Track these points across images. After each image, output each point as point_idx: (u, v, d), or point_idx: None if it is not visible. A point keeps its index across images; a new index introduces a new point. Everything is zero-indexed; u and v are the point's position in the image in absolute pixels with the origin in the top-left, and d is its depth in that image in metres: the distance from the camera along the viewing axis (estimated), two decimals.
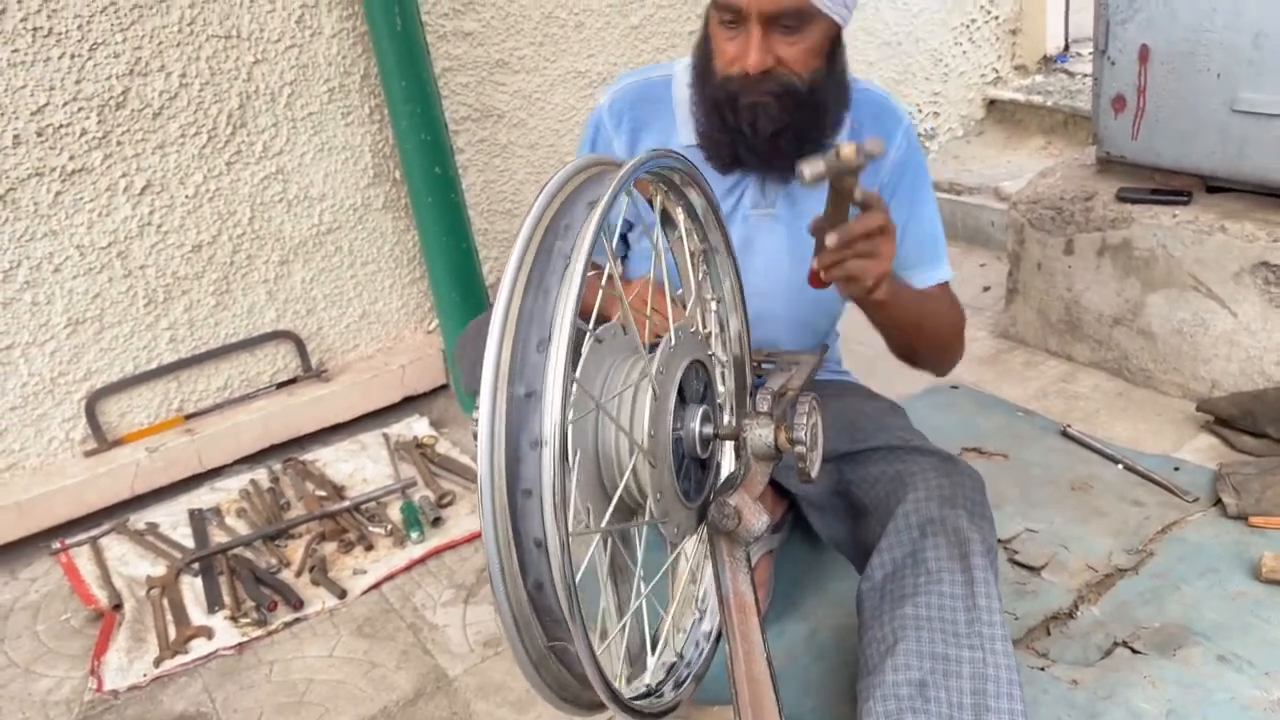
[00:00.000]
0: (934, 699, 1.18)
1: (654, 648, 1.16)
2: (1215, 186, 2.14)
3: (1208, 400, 2.06)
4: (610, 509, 1.02)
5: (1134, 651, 1.51)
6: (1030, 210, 2.35)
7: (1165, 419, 2.11)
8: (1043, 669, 1.50)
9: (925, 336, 1.57)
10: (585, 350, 1.01)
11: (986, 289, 2.85)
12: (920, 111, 3.52)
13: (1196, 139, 2.11)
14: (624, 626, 1.09)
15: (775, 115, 1.40)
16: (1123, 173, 2.30)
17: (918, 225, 1.58)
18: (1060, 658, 1.52)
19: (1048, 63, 3.70)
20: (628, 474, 1.02)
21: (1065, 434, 2.06)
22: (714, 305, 1.31)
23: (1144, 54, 2.15)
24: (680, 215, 1.21)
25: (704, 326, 1.29)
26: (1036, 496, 1.89)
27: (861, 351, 2.60)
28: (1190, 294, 2.10)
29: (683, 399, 1.11)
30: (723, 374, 1.32)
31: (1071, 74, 3.60)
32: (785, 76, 1.38)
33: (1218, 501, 1.81)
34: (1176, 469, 1.92)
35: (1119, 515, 1.81)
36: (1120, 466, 1.95)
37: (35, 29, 1.97)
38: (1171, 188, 2.17)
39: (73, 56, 2.01)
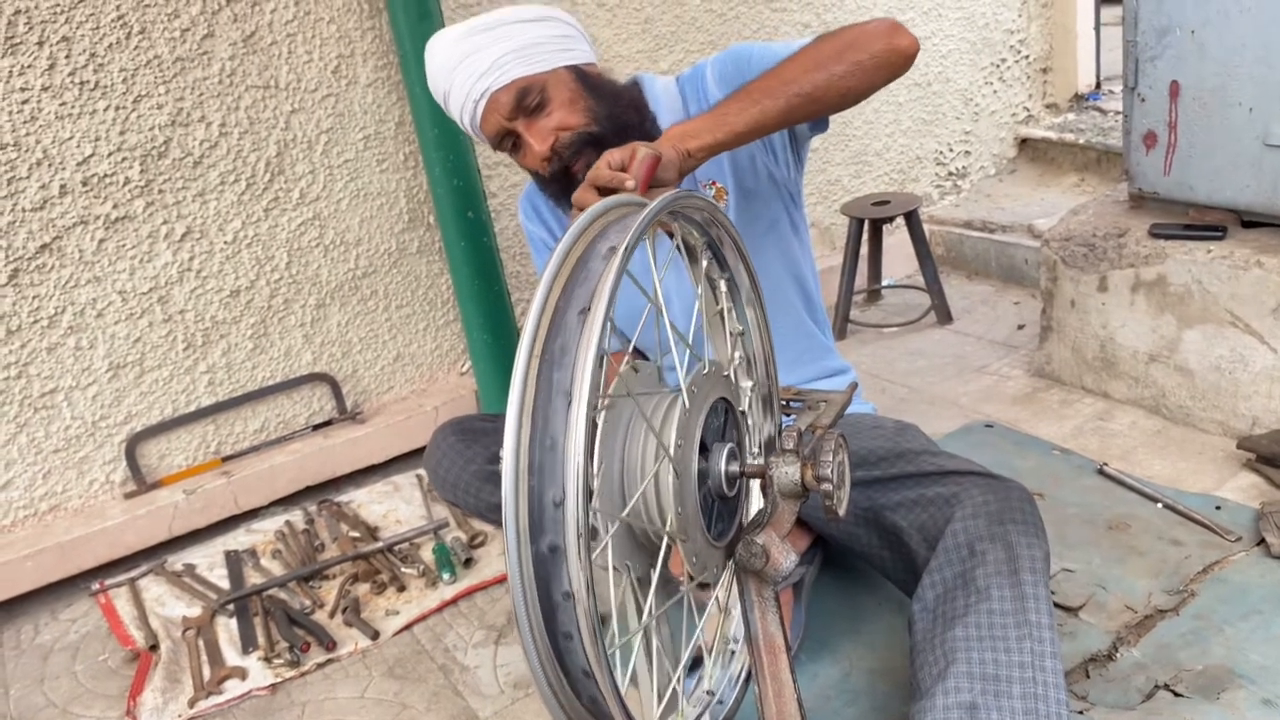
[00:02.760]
0: None
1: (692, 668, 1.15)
2: (1251, 221, 2.12)
3: (1249, 438, 2.02)
4: (628, 508, 1.01)
5: (1176, 695, 1.48)
6: (1063, 247, 2.34)
7: (1205, 457, 2.07)
8: (1082, 713, 1.47)
9: (807, 88, 1.37)
10: (601, 421, 1.00)
11: (1021, 327, 2.83)
12: (951, 151, 3.52)
13: (1230, 174, 2.09)
14: (664, 695, 1.08)
15: (594, 156, 1.47)
16: (1156, 209, 2.29)
17: (745, 63, 1.57)
18: (1100, 701, 1.49)
19: (1079, 100, 3.69)
20: (650, 478, 1.02)
21: (1102, 472, 2.03)
22: (739, 338, 1.32)
23: (1174, 90, 2.14)
24: (703, 251, 1.22)
25: (729, 360, 1.29)
26: (1073, 536, 1.86)
27: (893, 390, 2.59)
28: (1228, 330, 2.07)
29: (706, 444, 1.11)
30: (748, 409, 1.32)
31: (1104, 111, 3.59)
32: (570, 135, 1.50)
33: (1261, 541, 1.77)
34: (1218, 508, 1.88)
35: (1158, 555, 1.78)
36: (1159, 505, 1.91)
37: (83, 83, 2.03)
38: (1205, 223, 2.15)
39: (118, 109, 2.08)
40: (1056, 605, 1.68)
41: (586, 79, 1.54)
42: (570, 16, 1.59)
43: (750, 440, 1.32)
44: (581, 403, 0.86)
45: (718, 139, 1.32)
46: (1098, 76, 3.73)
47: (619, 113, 1.53)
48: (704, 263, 1.23)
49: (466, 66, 1.48)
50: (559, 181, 1.54)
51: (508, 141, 1.56)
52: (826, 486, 1.11)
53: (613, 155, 1.24)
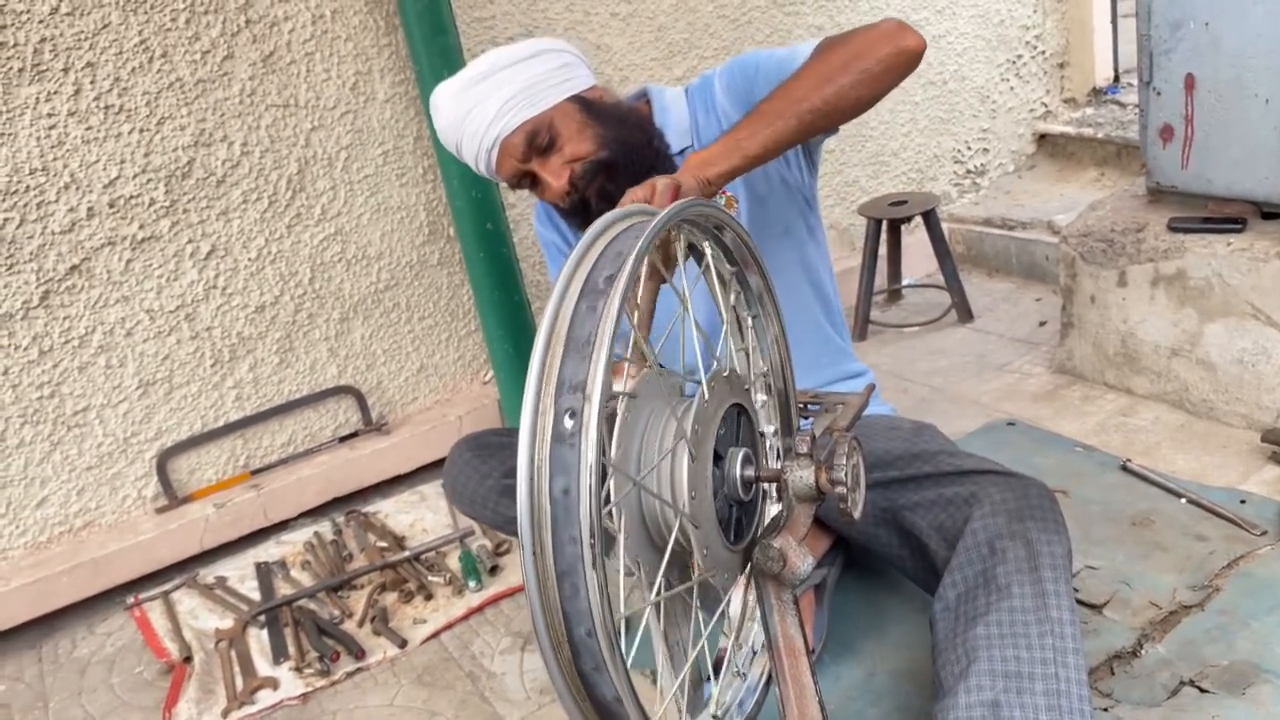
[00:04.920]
0: (1007, 718, 1.17)
1: (716, 673, 1.17)
2: (1270, 213, 2.11)
3: (1273, 430, 2.01)
4: (662, 566, 1.03)
5: (1201, 691, 1.47)
6: (1081, 243, 2.33)
7: (1230, 450, 2.06)
8: (1107, 710, 1.47)
9: (817, 104, 1.38)
10: (621, 410, 1.02)
11: (1042, 324, 2.82)
12: (969, 149, 3.51)
13: (1248, 166, 2.08)
14: (681, 684, 1.10)
15: (605, 181, 1.53)
16: (1174, 202, 2.28)
17: (752, 72, 1.59)
18: (1125, 698, 1.49)
19: (1098, 95, 3.67)
20: (674, 536, 1.03)
21: (1125, 468, 2.03)
22: (754, 345, 1.33)
23: (1189, 83, 2.13)
24: (714, 259, 1.23)
25: (744, 367, 1.30)
26: (1097, 533, 1.85)
27: (915, 389, 2.59)
28: (1249, 323, 2.06)
29: (723, 445, 1.13)
30: (765, 415, 1.33)
31: (1122, 105, 3.57)
32: (582, 165, 1.53)
33: None
34: (1243, 501, 1.87)
35: (1183, 550, 1.77)
36: (1184, 500, 1.90)
37: (107, 107, 2.08)
38: (1225, 215, 2.14)
39: (142, 131, 2.12)
40: (1080, 603, 1.68)
41: (590, 106, 1.56)
42: (564, 43, 1.61)
43: (766, 445, 1.34)
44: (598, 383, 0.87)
45: (734, 164, 1.35)
46: (1116, 70, 3.71)
47: (626, 134, 1.55)
48: (732, 296, 1.24)
49: (473, 119, 1.52)
50: (580, 213, 1.56)
51: (525, 181, 1.59)
52: (840, 490, 1.12)
53: (635, 193, 1.27)
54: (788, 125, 1.37)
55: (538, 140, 1.52)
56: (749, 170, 1.38)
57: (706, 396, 1.08)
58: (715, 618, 1.18)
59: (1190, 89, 2.14)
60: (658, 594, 1.03)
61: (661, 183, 1.27)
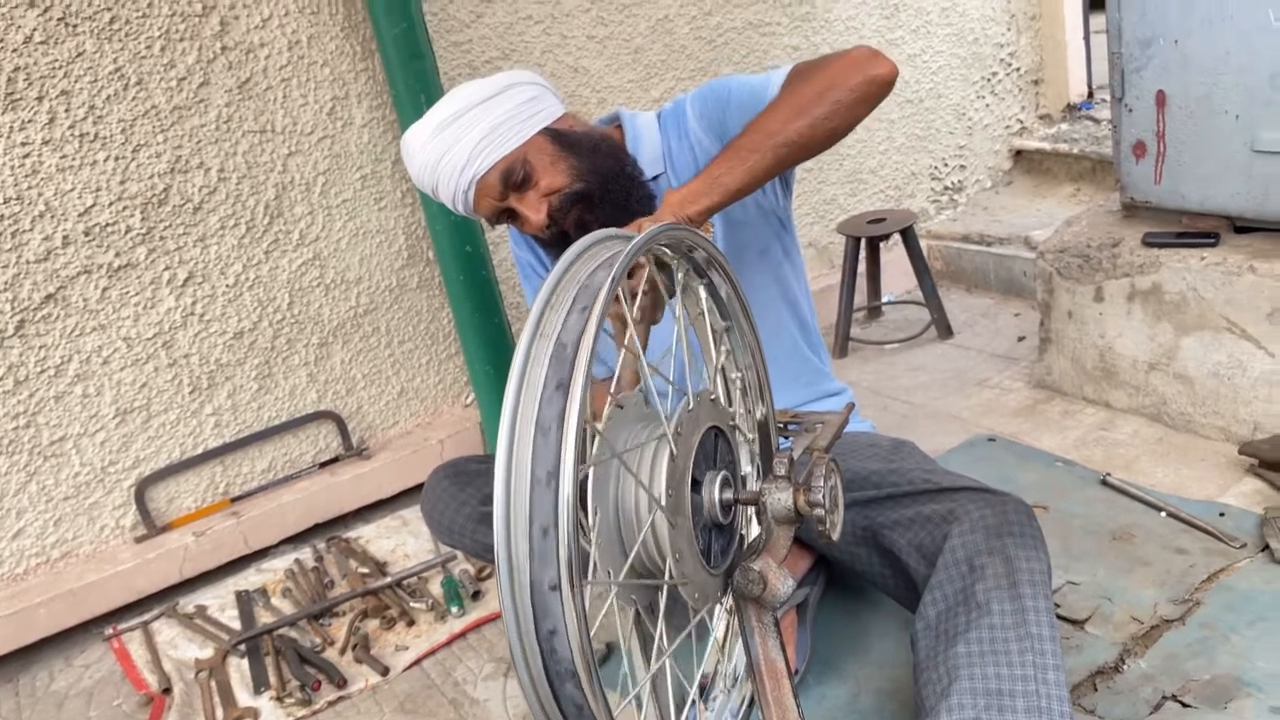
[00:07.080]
0: None
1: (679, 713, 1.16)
2: (1243, 227, 2.13)
3: (1250, 443, 2.02)
4: (627, 564, 1.03)
5: (1184, 705, 1.47)
6: (1058, 259, 2.35)
7: (1208, 464, 2.07)
8: None
9: (792, 137, 1.40)
10: (606, 413, 1.04)
11: (1021, 339, 2.84)
12: (946, 165, 3.54)
13: (1220, 181, 2.11)
14: (649, 680, 1.09)
15: (581, 212, 1.53)
16: (1149, 217, 2.30)
17: (725, 99, 1.60)
18: (1108, 714, 1.49)
19: (1072, 110, 3.71)
20: (645, 529, 1.03)
21: (1105, 483, 2.04)
22: (736, 378, 1.33)
23: (1161, 99, 2.15)
24: (702, 292, 1.24)
25: (726, 400, 1.30)
26: (1077, 548, 1.86)
27: (895, 406, 2.60)
28: (1225, 336, 2.08)
29: (702, 467, 1.13)
30: (744, 441, 1.33)
31: (1097, 120, 3.61)
32: (558, 197, 1.53)
33: (1265, 547, 1.76)
34: (1221, 514, 1.88)
35: (1163, 564, 1.78)
36: (1163, 514, 1.91)
37: (82, 135, 2.07)
38: (1198, 230, 2.16)
39: (117, 159, 2.11)
40: (1062, 618, 1.68)
41: (561, 138, 1.56)
42: (530, 74, 1.61)
43: (746, 465, 1.34)
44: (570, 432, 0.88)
45: (715, 200, 1.37)
46: (1089, 86, 3.75)
47: (599, 163, 1.56)
48: (723, 354, 1.25)
49: (447, 163, 1.52)
50: (560, 245, 1.56)
51: (505, 217, 1.59)
52: (819, 511, 1.12)
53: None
54: (764, 160, 1.39)
55: (513, 177, 1.52)
56: (728, 205, 1.40)
57: (691, 405, 1.08)
58: (681, 637, 1.17)
59: (1162, 105, 2.16)
60: (622, 577, 1.03)
61: (646, 225, 1.29)
